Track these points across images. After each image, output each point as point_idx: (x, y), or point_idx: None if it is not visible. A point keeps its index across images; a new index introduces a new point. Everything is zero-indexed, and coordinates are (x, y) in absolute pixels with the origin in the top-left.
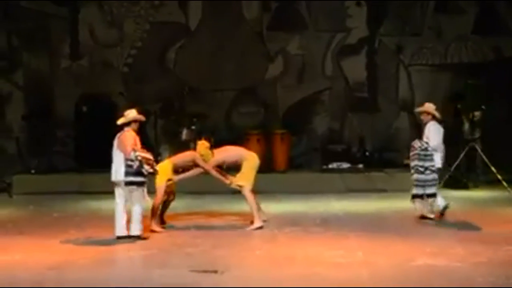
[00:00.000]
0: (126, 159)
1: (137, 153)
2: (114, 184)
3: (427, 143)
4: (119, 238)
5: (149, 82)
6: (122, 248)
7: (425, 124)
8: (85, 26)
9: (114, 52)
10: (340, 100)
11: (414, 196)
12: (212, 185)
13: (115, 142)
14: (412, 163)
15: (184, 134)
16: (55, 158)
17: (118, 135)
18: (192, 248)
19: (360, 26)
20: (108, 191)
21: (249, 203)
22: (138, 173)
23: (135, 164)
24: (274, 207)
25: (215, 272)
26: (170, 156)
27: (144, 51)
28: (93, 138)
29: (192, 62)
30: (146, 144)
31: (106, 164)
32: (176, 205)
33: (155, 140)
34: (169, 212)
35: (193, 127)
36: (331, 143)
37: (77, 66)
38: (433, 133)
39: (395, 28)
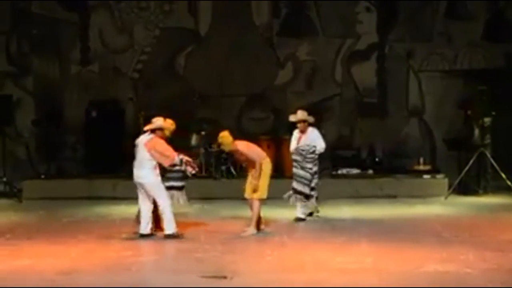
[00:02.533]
0: (170, 165)
1: (181, 156)
2: (139, 186)
3: (314, 146)
4: (142, 236)
5: (158, 87)
6: (131, 254)
7: (302, 131)
8: (95, 31)
9: (124, 58)
10: (350, 106)
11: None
12: (222, 191)
13: (142, 147)
14: (309, 165)
15: (194, 139)
16: (64, 164)
17: (145, 141)
18: (201, 254)
19: (370, 32)
20: (117, 197)
21: (254, 211)
22: (179, 178)
23: (182, 168)
24: (284, 213)
25: (225, 277)
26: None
27: (153, 56)
28: (103, 144)
29: (202, 68)
30: None
31: (115, 169)
32: (186, 210)
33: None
34: (178, 218)
35: (202, 133)
36: (340, 148)
37: (87, 72)
38: (320, 138)
39: (405, 34)
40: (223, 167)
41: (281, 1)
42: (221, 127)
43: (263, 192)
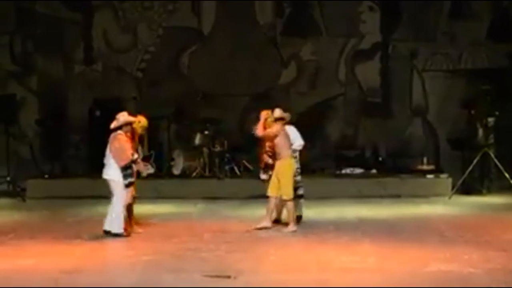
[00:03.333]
0: (125, 164)
1: (135, 157)
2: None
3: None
4: (115, 235)
5: (162, 87)
6: (135, 253)
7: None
8: (99, 31)
9: (128, 57)
10: (353, 106)
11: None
12: (225, 190)
13: (109, 145)
14: None
15: (197, 139)
16: (68, 163)
17: (111, 138)
18: (205, 253)
19: (374, 31)
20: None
21: (289, 211)
22: (132, 174)
23: (135, 167)
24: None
25: (229, 277)
26: (185, 161)
27: (157, 56)
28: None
29: (205, 67)
30: (159, 149)
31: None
32: (190, 210)
33: (169, 145)
34: (183, 217)
35: (206, 132)
36: (344, 148)
37: (90, 71)
38: (297, 135)
39: (409, 33)
40: (227, 167)
41: (285, 0)
42: (225, 126)
43: (290, 192)
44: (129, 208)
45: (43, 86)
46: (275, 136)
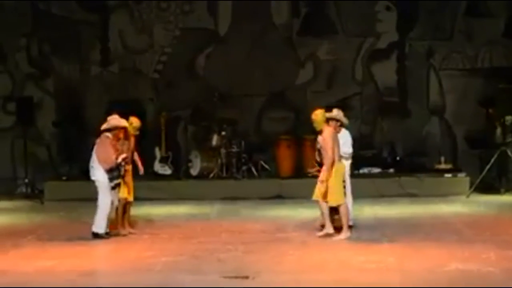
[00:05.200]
0: (110, 167)
1: (119, 160)
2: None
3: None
4: (96, 235)
5: (179, 88)
6: (153, 254)
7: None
8: (115, 32)
9: (144, 59)
10: (370, 105)
11: None
12: (243, 191)
13: (95, 147)
14: None
15: (214, 140)
16: (85, 165)
17: (97, 141)
18: (223, 254)
19: (390, 30)
20: (139, 197)
21: (342, 216)
22: (119, 176)
23: (121, 169)
24: (304, 212)
25: (247, 277)
26: (202, 162)
27: (173, 57)
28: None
29: (222, 68)
30: (176, 151)
31: (136, 170)
32: (207, 211)
33: (186, 146)
34: (200, 218)
35: (223, 133)
36: (361, 148)
37: (107, 73)
38: (348, 140)
39: (426, 32)
40: (244, 167)
41: (301, 0)
42: (242, 127)
43: (338, 198)
44: (124, 209)
45: (60, 88)
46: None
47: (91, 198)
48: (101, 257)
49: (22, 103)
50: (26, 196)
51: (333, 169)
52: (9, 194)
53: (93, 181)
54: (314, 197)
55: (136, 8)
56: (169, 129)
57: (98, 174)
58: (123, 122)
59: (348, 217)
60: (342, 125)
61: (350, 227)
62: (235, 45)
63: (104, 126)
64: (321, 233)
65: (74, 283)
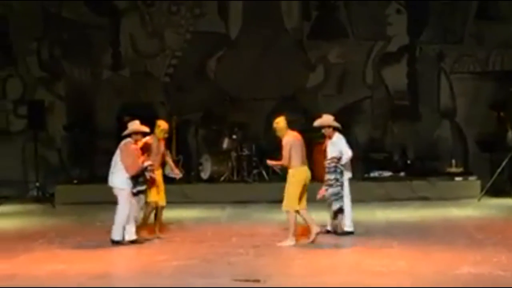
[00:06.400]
0: (136, 172)
1: (145, 165)
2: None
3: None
4: (115, 242)
5: (190, 91)
6: (165, 258)
7: (329, 136)
8: (126, 36)
9: (155, 62)
10: (381, 109)
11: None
12: (253, 194)
13: (117, 152)
14: (331, 176)
15: (225, 143)
16: (96, 168)
17: (120, 146)
18: (234, 257)
19: (401, 34)
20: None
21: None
22: (144, 182)
23: (146, 174)
24: (315, 216)
25: (258, 281)
26: (213, 165)
27: (184, 60)
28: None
29: (233, 71)
30: (187, 154)
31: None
32: (218, 214)
33: (197, 150)
34: (211, 221)
35: (234, 137)
36: (372, 151)
37: (118, 76)
38: (346, 146)
39: (436, 35)
40: (255, 171)
41: (312, 3)
42: (253, 130)
43: (290, 202)
44: (155, 214)
45: (71, 92)
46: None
47: (102, 202)
48: (112, 261)
49: (33, 106)
50: (37, 200)
51: (289, 175)
52: (20, 197)
53: (111, 188)
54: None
55: (147, 12)
56: (179, 132)
57: (117, 181)
58: (143, 127)
59: (295, 226)
60: (335, 129)
61: (349, 233)
62: (246, 49)
63: (125, 132)
64: (280, 243)
65: (85, 286)
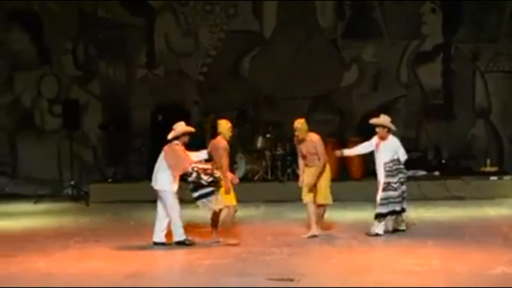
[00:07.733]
0: (185, 174)
1: (193, 165)
2: (156, 192)
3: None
4: (156, 244)
5: (223, 90)
6: (198, 257)
7: (382, 137)
8: (161, 35)
9: (189, 61)
10: (415, 108)
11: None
12: (287, 193)
13: (162, 154)
14: (394, 179)
15: (259, 142)
16: (131, 167)
17: (165, 148)
18: (268, 257)
19: (436, 33)
20: (184, 200)
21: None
22: (203, 185)
23: (193, 176)
24: (348, 214)
25: (292, 280)
26: (247, 164)
27: (218, 59)
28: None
29: (267, 70)
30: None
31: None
32: (252, 213)
33: (231, 149)
34: (245, 221)
35: (268, 135)
36: (406, 150)
37: (152, 75)
38: (401, 147)
39: (471, 34)
40: (289, 170)
41: (346, 2)
42: (287, 129)
43: (326, 197)
44: (214, 217)
45: (105, 91)
46: (309, 141)
47: (136, 200)
48: (147, 260)
49: (68, 105)
50: (72, 198)
51: (326, 170)
52: (55, 196)
53: (156, 190)
54: (304, 200)
55: (181, 11)
56: (214, 131)
57: (162, 183)
58: (190, 128)
59: (314, 216)
60: (389, 131)
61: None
62: (280, 48)
63: (171, 135)
64: (306, 235)
65: (119, 285)
